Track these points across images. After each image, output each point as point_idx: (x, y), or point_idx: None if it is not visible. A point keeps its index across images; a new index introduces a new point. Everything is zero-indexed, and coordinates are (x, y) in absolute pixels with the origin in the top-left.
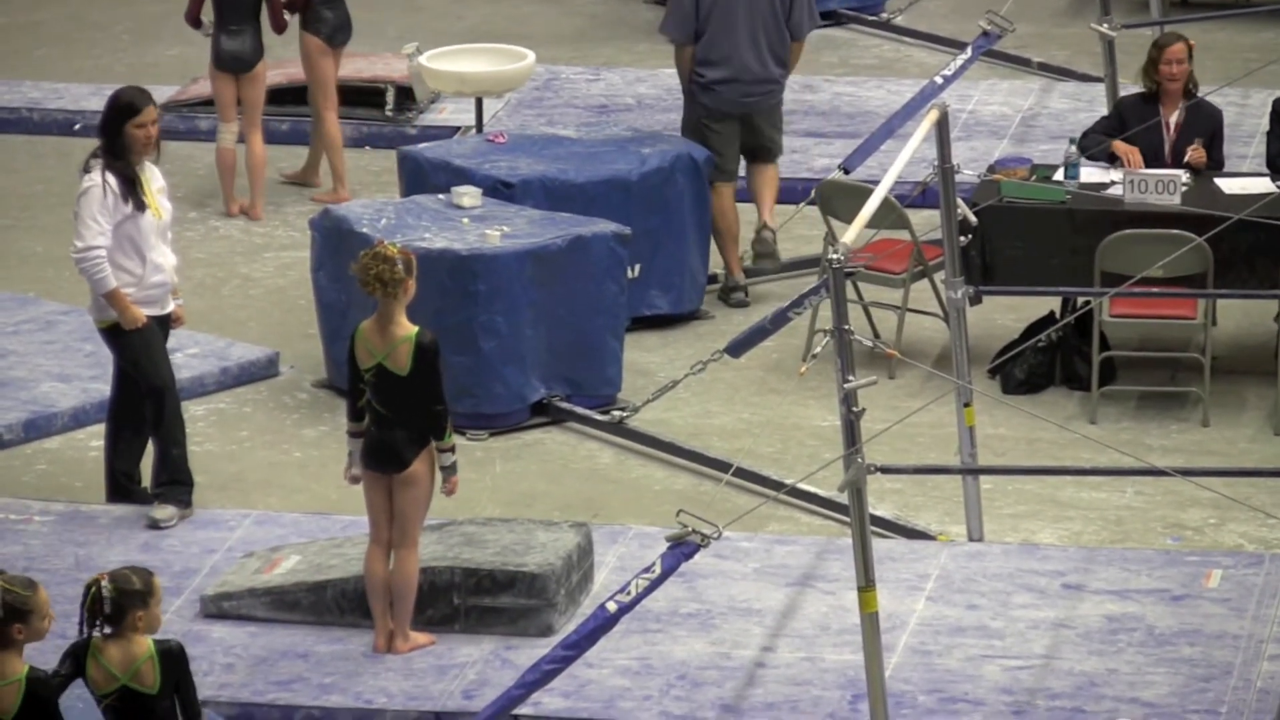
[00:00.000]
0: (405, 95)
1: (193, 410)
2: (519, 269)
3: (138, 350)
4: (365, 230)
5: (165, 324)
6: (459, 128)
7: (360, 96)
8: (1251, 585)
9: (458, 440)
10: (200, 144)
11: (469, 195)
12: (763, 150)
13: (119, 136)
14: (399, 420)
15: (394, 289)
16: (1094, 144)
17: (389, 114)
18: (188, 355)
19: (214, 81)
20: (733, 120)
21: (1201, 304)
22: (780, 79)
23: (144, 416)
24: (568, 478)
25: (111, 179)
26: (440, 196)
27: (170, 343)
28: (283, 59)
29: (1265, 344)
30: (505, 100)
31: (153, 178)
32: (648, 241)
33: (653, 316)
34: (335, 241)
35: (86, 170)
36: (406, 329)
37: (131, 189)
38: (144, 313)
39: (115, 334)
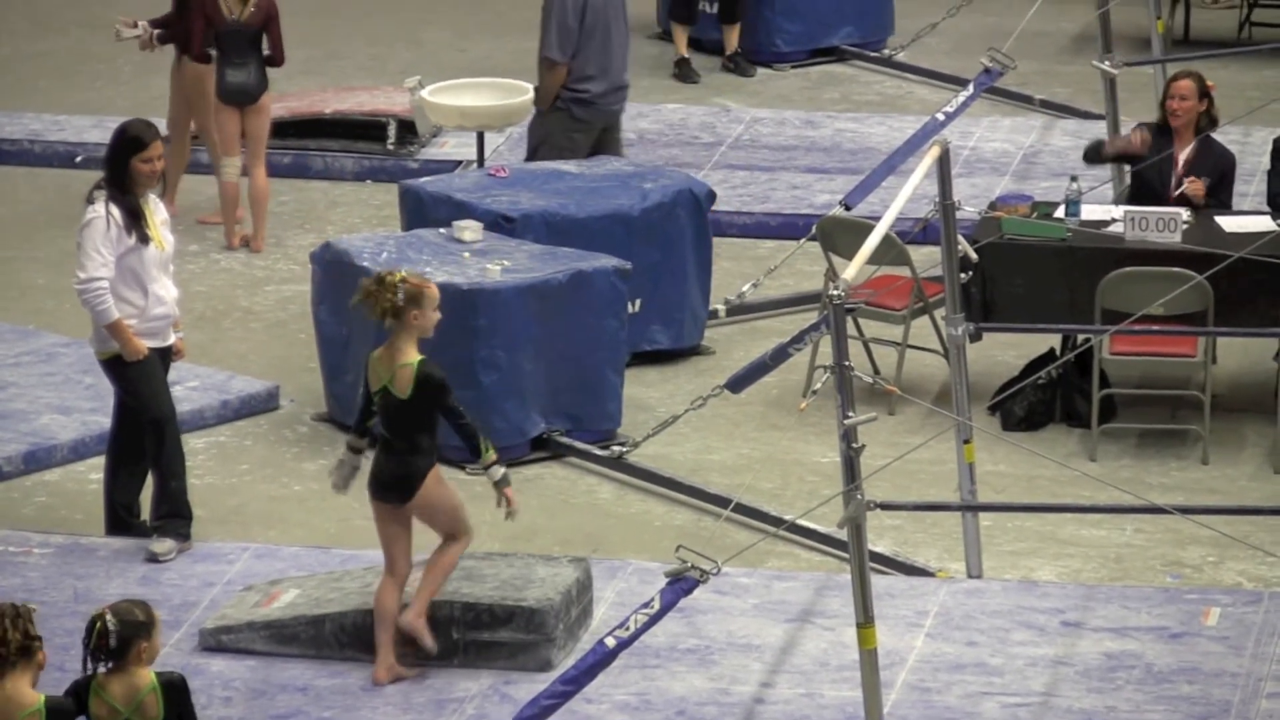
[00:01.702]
0: (407, 129)
1: (193, 443)
2: (520, 303)
3: (138, 382)
4: (366, 264)
5: (166, 356)
6: (460, 162)
7: (362, 130)
8: (1250, 623)
9: (459, 475)
10: (202, 176)
11: (470, 229)
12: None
13: (124, 169)
14: (401, 446)
15: (397, 316)
16: (1095, 149)
17: (391, 148)
18: (188, 388)
19: (217, 115)
20: (595, 130)
21: (1202, 342)
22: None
23: (144, 449)
24: (567, 512)
25: (115, 211)
26: (441, 230)
27: (171, 375)
28: (285, 92)
29: (1265, 382)
30: (507, 134)
31: (156, 210)
32: (648, 276)
33: (653, 351)
34: (336, 275)
35: (90, 201)
36: (410, 356)
37: (135, 221)
38: (145, 344)
39: (116, 365)
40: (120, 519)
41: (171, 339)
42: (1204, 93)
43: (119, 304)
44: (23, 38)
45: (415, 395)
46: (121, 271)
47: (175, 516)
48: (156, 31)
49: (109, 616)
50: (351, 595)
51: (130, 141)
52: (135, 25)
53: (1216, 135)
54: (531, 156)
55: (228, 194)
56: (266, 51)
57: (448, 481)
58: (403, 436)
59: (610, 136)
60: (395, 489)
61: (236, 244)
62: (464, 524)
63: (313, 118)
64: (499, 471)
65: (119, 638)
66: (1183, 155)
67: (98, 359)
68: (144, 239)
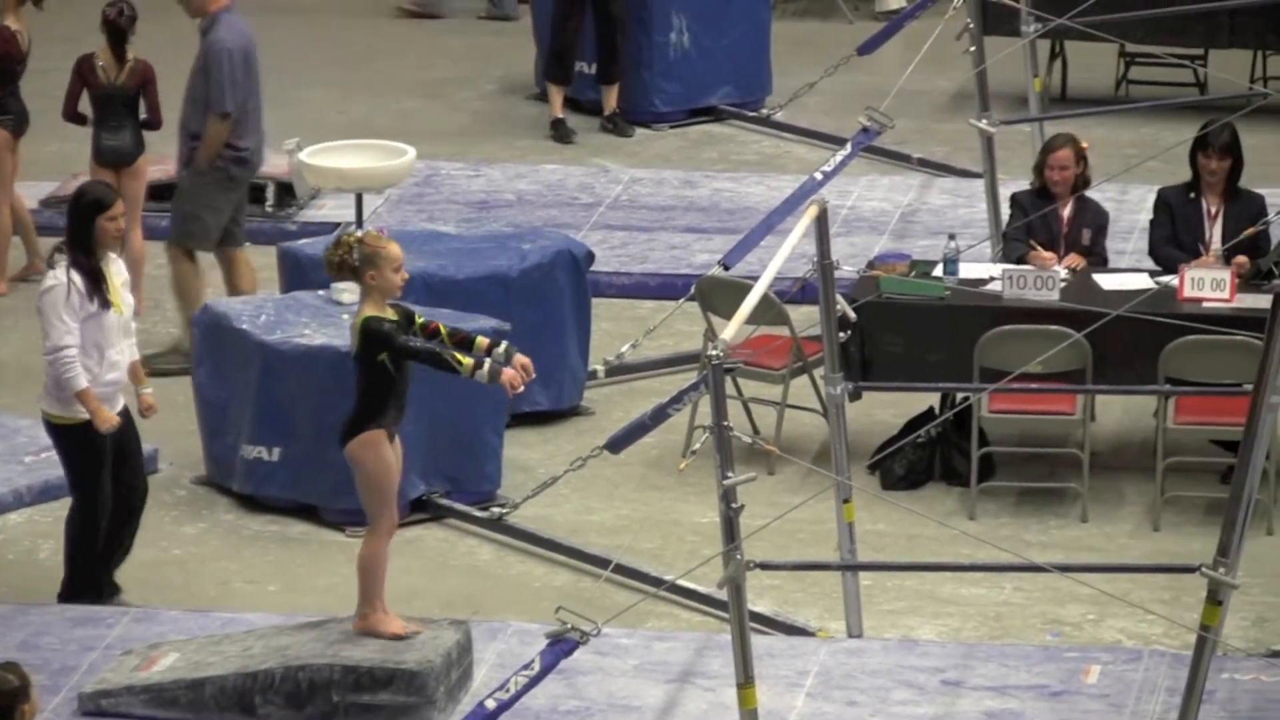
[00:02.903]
0: (286, 191)
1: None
2: None
3: (82, 457)
4: (245, 327)
5: (123, 416)
6: (339, 224)
7: None
8: (1130, 681)
9: (339, 536)
10: None
11: (349, 291)
12: (240, 227)
13: (88, 231)
14: (355, 400)
15: (355, 276)
16: (1015, 250)
17: (269, 210)
18: None
19: (95, 177)
20: (242, 190)
21: (1080, 399)
22: None
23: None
24: (447, 574)
25: (76, 277)
26: (320, 293)
27: (45, 440)
28: (165, 155)
29: (1144, 440)
30: (385, 196)
31: (117, 271)
32: (527, 337)
33: (533, 412)
34: (215, 338)
35: (51, 266)
36: (361, 314)
37: (96, 286)
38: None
39: (62, 433)
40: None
41: (119, 404)
42: (1080, 156)
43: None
44: None
45: (360, 350)
46: (81, 337)
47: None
48: None
49: None
50: (231, 659)
51: (94, 202)
52: None
53: (1095, 192)
54: (184, 224)
55: None
56: (144, 115)
57: (387, 458)
58: (356, 390)
59: (243, 200)
60: (339, 435)
61: None
62: (386, 508)
63: None
64: (484, 372)
65: (2, 709)
66: (1065, 211)
67: (44, 420)
68: (105, 304)
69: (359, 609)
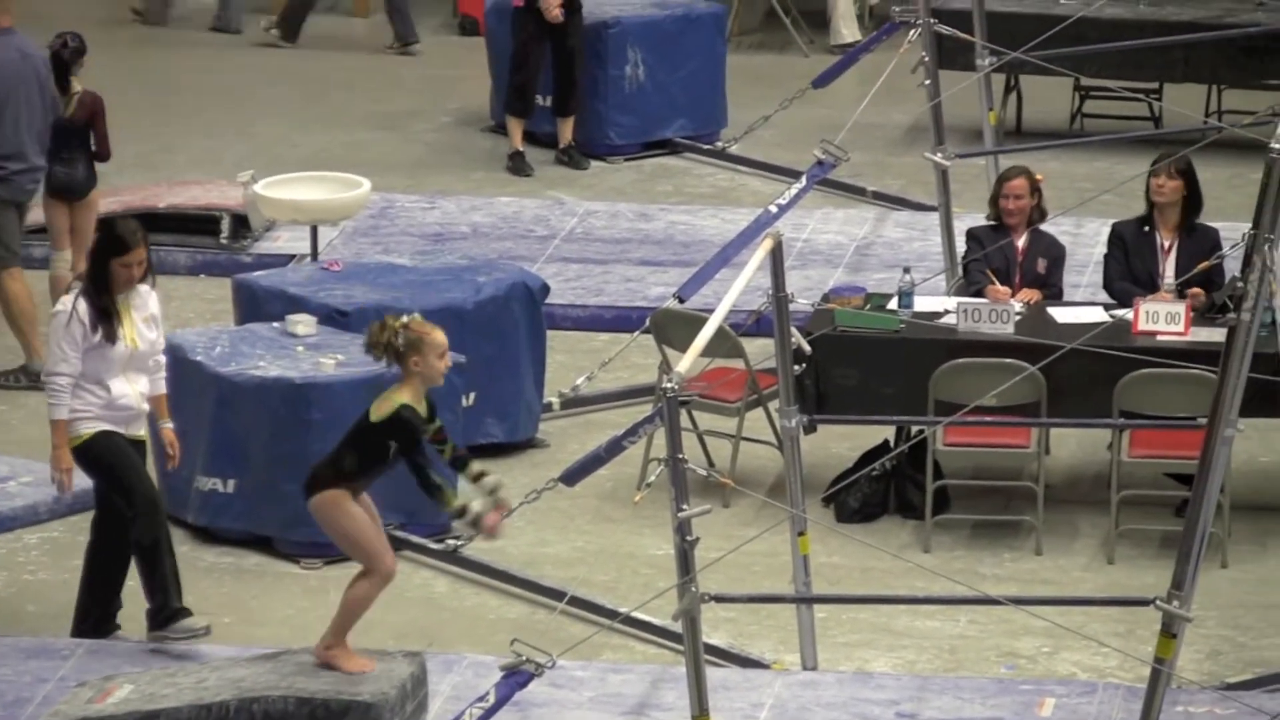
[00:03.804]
0: (240, 223)
1: (26, 539)
2: (354, 397)
3: (100, 466)
4: (200, 359)
5: (139, 447)
6: (294, 256)
7: (195, 224)
8: (1085, 713)
9: (293, 568)
10: (33, 271)
11: (304, 323)
12: (6, 249)
13: (103, 269)
14: (333, 453)
15: (399, 361)
16: (975, 282)
17: (224, 242)
18: (21, 484)
19: (47, 209)
20: (16, 207)
21: (1035, 432)
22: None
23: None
24: (402, 606)
25: (82, 308)
26: (275, 325)
27: (3, 470)
28: (117, 186)
29: (1098, 473)
30: (340, 228)
31: (143, 304)
32: (483, 370)
33: (488, 444)
34: (169, 370)
35: (68, 290)
36: (398, 396)
37: (104, 319)
38: (115, 430)
39: (75, 454)
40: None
41: (141, 431)
42: (1035, 188)
43: (80, 394)
44: None
45: (382, 424)
46: (84, 367)
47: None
48: None
49: None
50: (186, 691)
51: (113, 242)
52: None
53: (1050, 225)
54: None
55: (58, 288)
56: (94, 147)
57: (352, 512)
58: (341, 445)
59: (22, 216)
60: (304, 480)
61: None
62: (374, 560)
63: (146, 212)
64: (473, 509)
65: None
66: (1020, 242)
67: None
68: (111, 337)
69: (325, 638)
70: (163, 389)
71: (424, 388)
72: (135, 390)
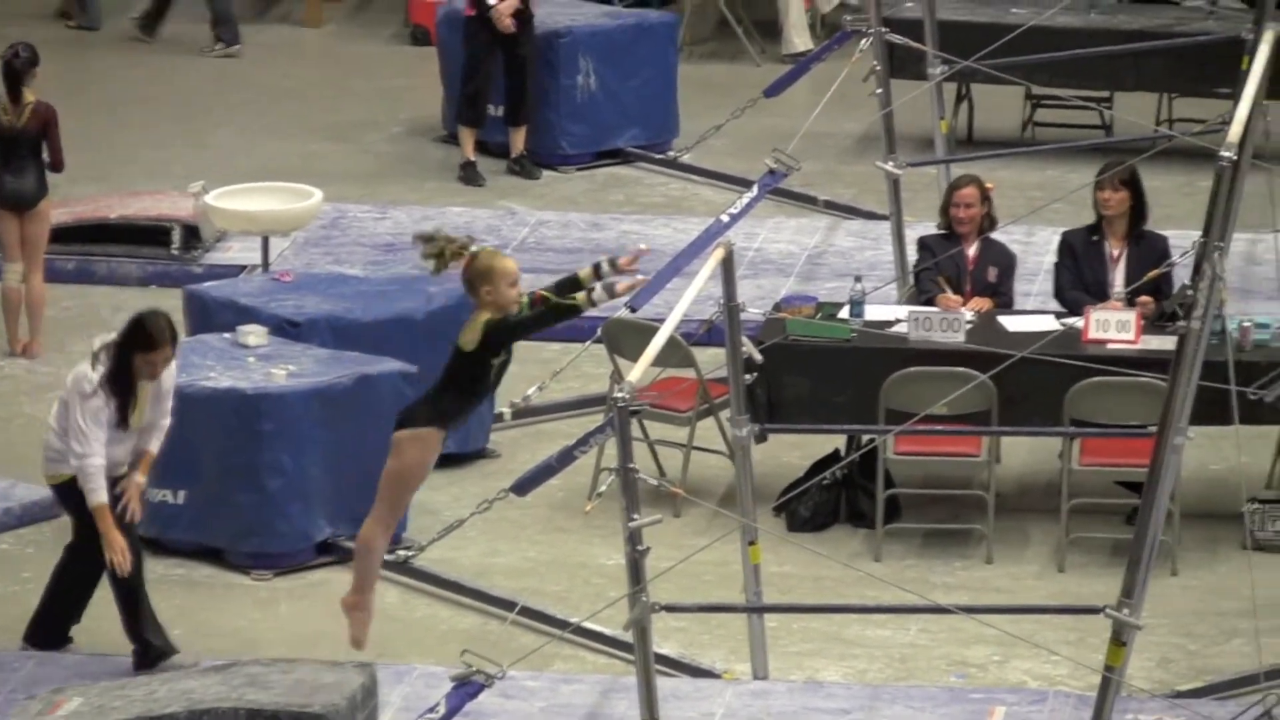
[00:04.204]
0: (192, 234)
1: None
2: (305, 408)
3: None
4: None
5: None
6: (245, 266)
7: (147, 236)
8: None
9: (244, 580)
10: None
11: (255, 334)
12: None
13: (127, 361)
14: (431, 389)
15: (471, 290)
16: (927, 287)
17: (175, 252)
18: None
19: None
20: None
21: (985, 441)
22: None
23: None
24: None
25: (106, 392)
26: (226, 335)
27: None
28: (67, 198)
29: (1049, 481)
30: (292, 239)
31: (162, 378)
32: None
33: (439, 455)
34: None
35: (96, 360)
36: (481, 316)
37: (120, 407)
38: None
39: (58, 490)
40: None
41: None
42: (985, 196)
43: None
44: None
45: (475, 349)
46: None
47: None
48: None
49: None
50: (135, 703)
51: (141, 338)
52: None
53: (1001, 234)
54: None
55: (10, 300)
56: (46, 157)
57: (428, 461)
58: (439, 384)
59: None
60: (398, 415)
61: (19, 350)
62: (399, 511)
63: (97, 223)
64: (598, 294)
65: None
66: (971, 250)
67: (49, 484)
68: (123, 424)
69: (351, 590)
70: (152, 447)
71: (499, 314)
72: (126, 449)
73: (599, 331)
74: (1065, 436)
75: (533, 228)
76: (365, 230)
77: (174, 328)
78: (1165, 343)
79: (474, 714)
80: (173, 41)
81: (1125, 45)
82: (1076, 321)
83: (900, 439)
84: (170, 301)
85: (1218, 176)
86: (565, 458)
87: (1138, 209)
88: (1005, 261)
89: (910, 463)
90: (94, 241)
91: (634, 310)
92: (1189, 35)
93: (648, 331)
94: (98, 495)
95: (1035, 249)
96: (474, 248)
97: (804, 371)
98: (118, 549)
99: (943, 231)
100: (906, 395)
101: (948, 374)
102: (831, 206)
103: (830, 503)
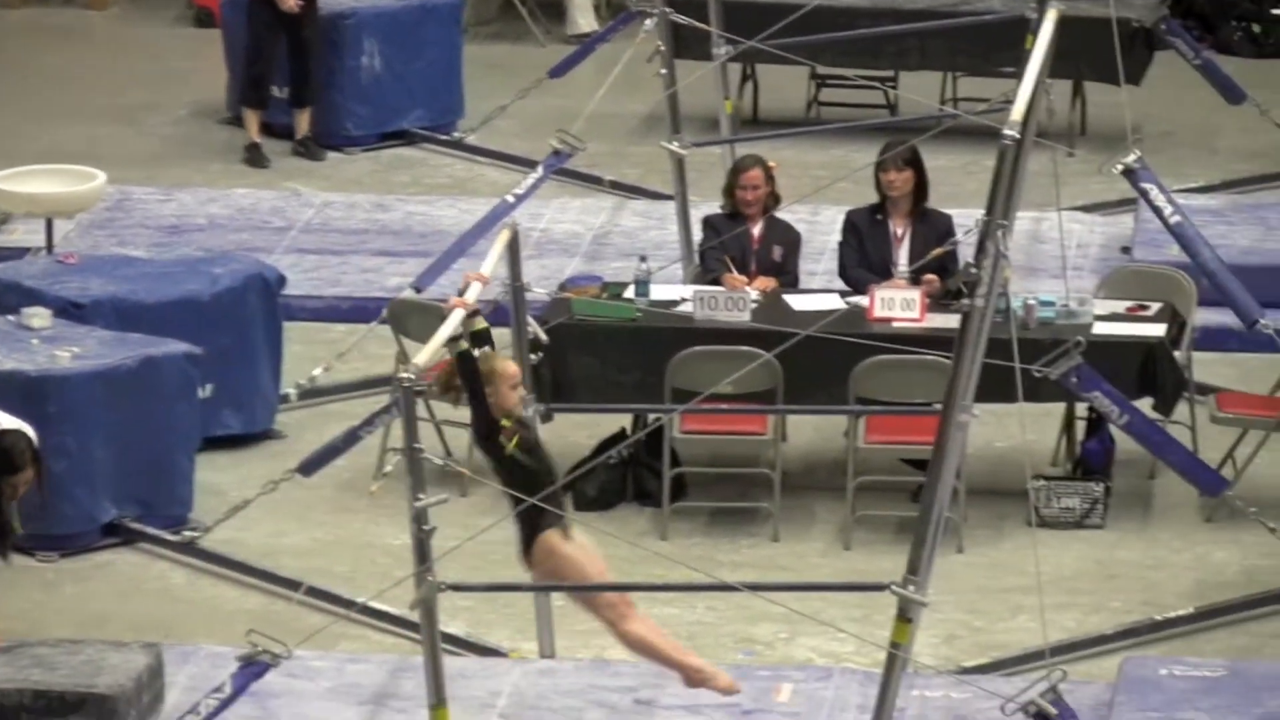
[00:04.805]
0: None
1: None
2: (89, 390)
3: None
4: None
5: None
6: (29, 249)
7: None
8: (821, 699)
9: (30, 561)
10: None
11: (39, 316)
12: None
13: None
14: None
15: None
16: (713, 267)
17: None
18: None
19: None
20: None
21: (771, 420)
22: None
23: None
24: (139, 598)
25: None
26: (10, 318)
27: None
28: None
29: (835, 459)
30: (76, 221)
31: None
32: (219, 361)
33: (225, 436)
34: None
35: None
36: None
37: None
38: None
39: None
40: None
41: None
42: (769, 176)
43: None
44: None
45: (498, 461)
46: None
47: None
48: None
49: None
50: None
51: (1, 462)
52: None
53: (786, 213)
54: None
55: None
56: None
57: (569, 554)
58: (511, 504)
59: None
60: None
61: None
62: (607, 600)
63: None
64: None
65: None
66: (755, 230)
67: None
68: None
69: (683, 676)
70: None
71: (505, 417)
72: None
73: (384, 312)
74: (851, 415)
75: (318, 209)
76: (150, 213)
77: (34, 446)
78: (950, 321)
79: (260, 694)
80: None
81: (910, 25)
82: (861, 300)
83: (686, 418)
84: None
85: (1001, 155)
86: (351, 438)
87: (920, 186)
88: (790, 240)
89: (696, 441)
90: None
91: (419, 290)
92: (973, 14)
93: (433, 311)
94: None
95: (820, 228)
96: (476, 354)
97: (590, 351)
98: None
99: (727, 211)
100: (692, 374)
101: (733, 353)
102: (617, 186)
103: (616, 482)
